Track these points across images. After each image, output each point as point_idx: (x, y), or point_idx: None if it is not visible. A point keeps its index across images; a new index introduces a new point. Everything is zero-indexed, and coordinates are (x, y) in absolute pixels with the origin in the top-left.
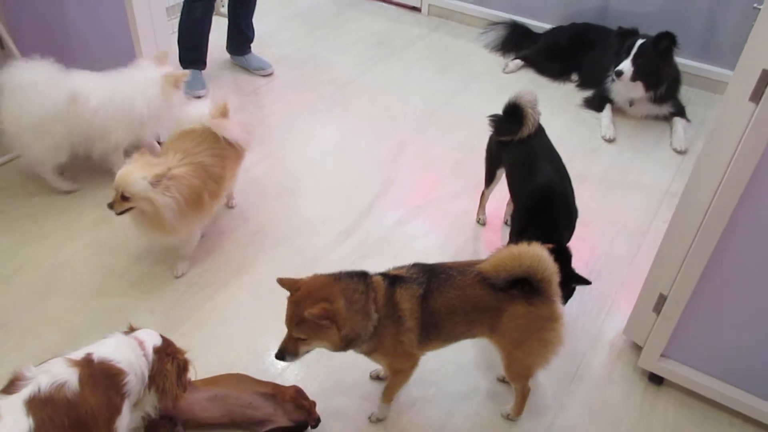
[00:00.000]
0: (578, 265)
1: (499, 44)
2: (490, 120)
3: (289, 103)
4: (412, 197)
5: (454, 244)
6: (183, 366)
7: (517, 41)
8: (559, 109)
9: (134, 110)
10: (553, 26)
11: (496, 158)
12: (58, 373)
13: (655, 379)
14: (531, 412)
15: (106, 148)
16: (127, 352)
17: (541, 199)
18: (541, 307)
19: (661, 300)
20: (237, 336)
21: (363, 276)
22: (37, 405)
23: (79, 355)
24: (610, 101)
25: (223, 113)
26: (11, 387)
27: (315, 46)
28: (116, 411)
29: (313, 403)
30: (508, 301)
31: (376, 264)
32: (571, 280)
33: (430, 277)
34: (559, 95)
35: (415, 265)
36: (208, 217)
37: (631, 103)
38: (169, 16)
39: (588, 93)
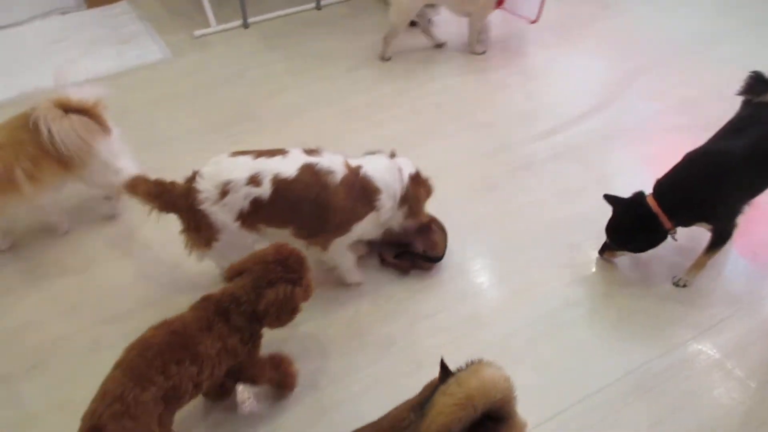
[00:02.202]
0: None
1: None
2: (749, 75)
3: (549, 13)
4: (625, 119)
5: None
6: (428, 192)
7: None
8: None
9: None
10: None
11: None
12: (334, 165)
13: None
14: (653, 335)
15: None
16: (387, 176)
17: (695, 161)
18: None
19: None
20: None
21: None
22: (307, 171)
23: (356, 162)
24: None
25: (77, 107)
26: (311, 152)
27: None
28: (357, 218)
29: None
30: None
31: (561, 167)
32: (626, 240)
33: None
34: None
35: None
36: (31, 199)
37: None
38: None
39: None
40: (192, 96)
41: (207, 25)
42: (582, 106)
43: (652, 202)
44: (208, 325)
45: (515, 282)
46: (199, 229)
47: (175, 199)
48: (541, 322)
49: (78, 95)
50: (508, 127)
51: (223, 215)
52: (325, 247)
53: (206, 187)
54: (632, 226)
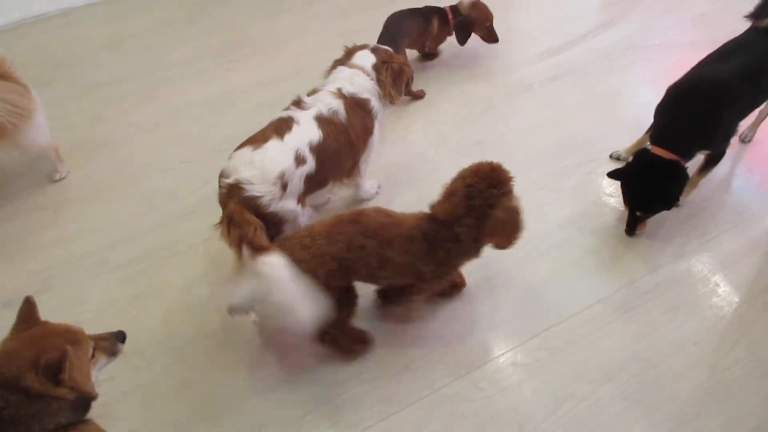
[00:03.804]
0: None
1: None
2: None
3: None
4: (632, 37)
5: (653, 97)
6: (397, 71)
7: None
8: None
9: None
10: None
11: None
12: (332, 103)
13: None
14: (641, 254)
15: None
16: (362, 81)
17: (683, 93)
18: None
19: None
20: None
21: None
22: (323, 124)
23: (332, 88)
24: None
25: None
26: (300, 104)
27: None
28: (370, 132)
29: None
30: None
31: (562, 87)
32: (662, 200)
33: None
34: None
35: None
36: None
37: None
38: None
39: None
40: (187, 21)
41: None
42: (587, 24)
43: (661, 152)
44: (409, 238)
45: None
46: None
47: (247, 217)
48: (531, 243)
49: None
50: (508, 48)
51: (289, 205)
52: (358, 173)
53: (266, 190)
54: (662, 184)
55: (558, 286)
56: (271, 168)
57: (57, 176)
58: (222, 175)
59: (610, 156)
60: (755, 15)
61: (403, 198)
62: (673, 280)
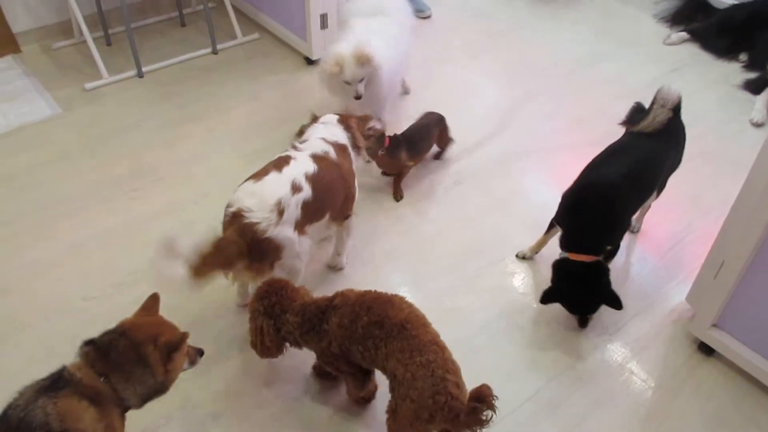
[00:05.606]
0: (667, 237)
1: (670, 15)
2: (632, 106)
3: (441, 45)
4: (521, 143)
5: (545, 194)
6: (360, 126)
7: (690, 14)
8: (713, 85)
9: None
10: (737, 1)
11: None
12: (323, 146)
13: (705, 349)
14: (559, 349)
15: None
16: (338, 132)
17: (581, 198)
18: None
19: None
20: None
21: None
22: (318, 160)
23: (319, 135)
24: None
25: None
26: (296, 149)
27: None
28: (354, 175)
29: None
30: None
31: (464, 192)
32: (600, 298)
33: None
34: (718, 72)
35: None
36: None
37: None
38: None
39: (752, 75)
40: (84, 153)
41: (99, 77)
42: (477, 134)
43: (579, 257)
44: None
45: (425, 312)
46: (263, 258)
47: (232, 250)
48: (452, 348)
49: None
50: None
51: (286, 232)
52: (347, 217)
53: (263, 216)
54: (594, 285)
55: None
56: (269, 196)
57: None
58: (227, 206)
59: (516, 255)
60: (628, 122)
61: None
62: (592, 372)
